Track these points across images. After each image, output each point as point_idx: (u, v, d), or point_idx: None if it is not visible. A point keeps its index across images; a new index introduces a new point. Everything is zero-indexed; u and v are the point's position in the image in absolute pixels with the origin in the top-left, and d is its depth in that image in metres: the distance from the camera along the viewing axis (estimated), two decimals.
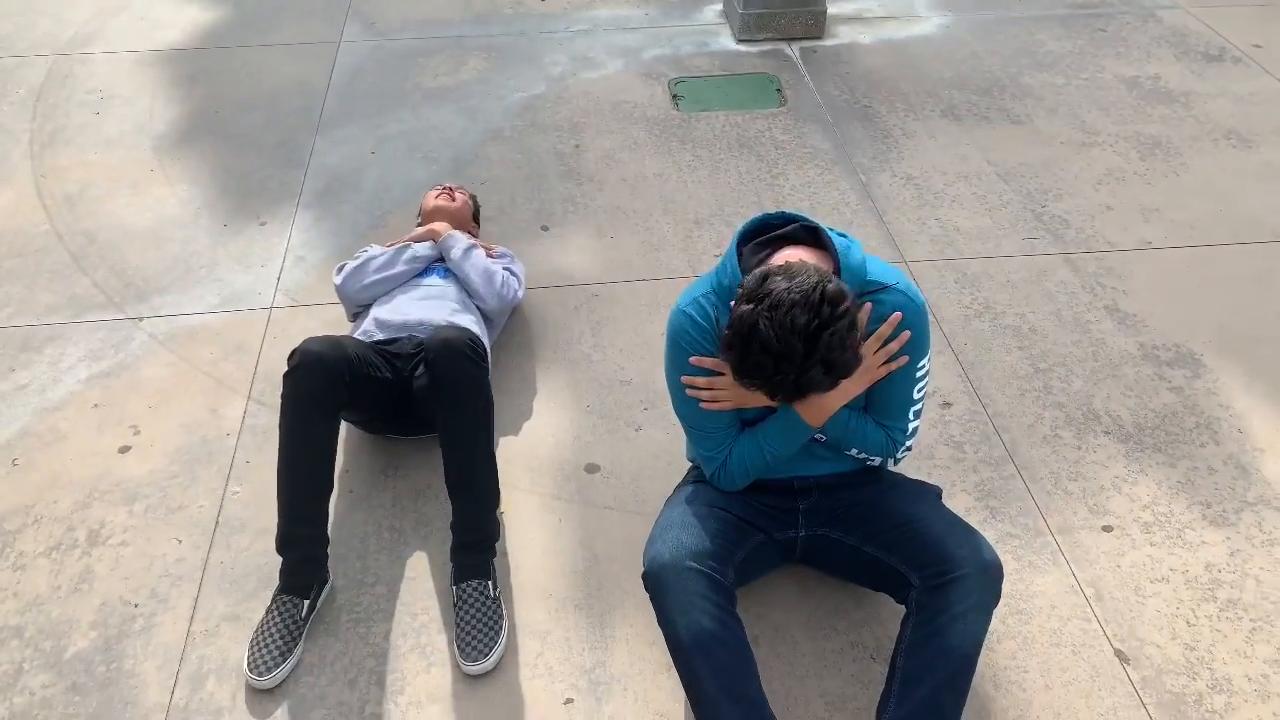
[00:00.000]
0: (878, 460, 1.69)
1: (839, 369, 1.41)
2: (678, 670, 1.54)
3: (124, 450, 2.18)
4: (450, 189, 2.55)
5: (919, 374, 1.63)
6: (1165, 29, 3.95)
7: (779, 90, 3.57)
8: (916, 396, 1.64)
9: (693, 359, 1.63)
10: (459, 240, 2.34)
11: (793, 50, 3.84)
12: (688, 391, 1.65)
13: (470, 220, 2.60)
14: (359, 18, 4.10)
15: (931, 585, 1.53)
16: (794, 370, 1.38)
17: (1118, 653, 1.79)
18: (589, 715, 1.69)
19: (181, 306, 2.60)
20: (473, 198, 2.66)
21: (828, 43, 3.89)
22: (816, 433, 1.66)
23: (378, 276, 2.28)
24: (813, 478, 1.72)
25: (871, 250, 2.72)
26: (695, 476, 1.81)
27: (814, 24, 3.90)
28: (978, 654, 1.50)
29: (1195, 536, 2.00)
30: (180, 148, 3.26)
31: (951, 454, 2.18)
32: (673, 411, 1.76)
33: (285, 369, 1.87)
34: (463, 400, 1.90)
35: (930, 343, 1.64)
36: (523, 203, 2.97)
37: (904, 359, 1.58)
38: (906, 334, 1.57)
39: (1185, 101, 3.48)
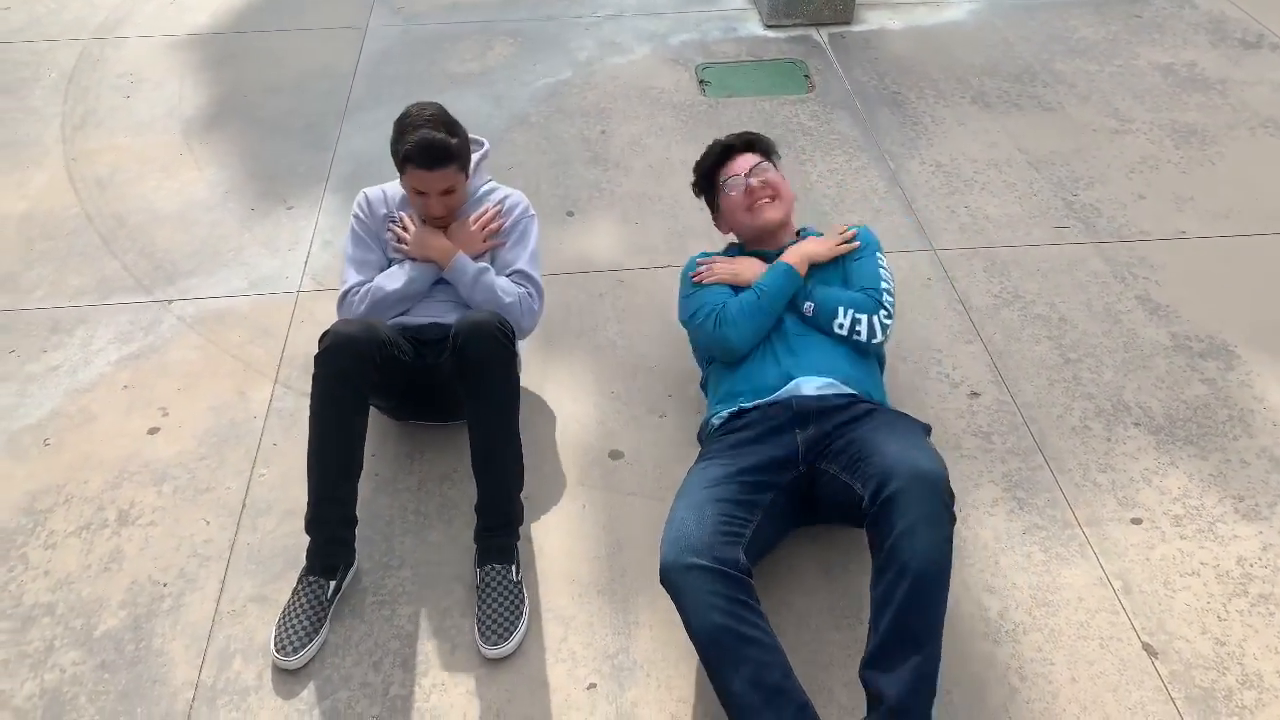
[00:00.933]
0: (864, 322, 1.95)
1: (762, 141, 2.19)
2: (701, 661, 1.56)
3: (153, 432, 2.21)
4: (439, 203, 2.07)
5: (880, 261, 2.07)
6: (1202, 15, 3.86)
7: (807, 76, 3.53)
8: (883, 274, 2.04)
9: (699, 259, 2.15)
10: (467, 270, 2.07)
11: (821, 36, 3.80)
12: (694, 278, 2.10)
13: (464, 192, 2.18)
14: (386, 2, 4.10)
15: (876, 507, 1.55)
16: (735, 136, 2.20)
17: (1146, 646, 1.77)
18: (612, 700, 1.70)
19: (209, 290, 2.62)
20: (453, 154, 2.01)
21: (856, 28, 3.84)
22: (804, 300, 1.98)
23: (389, 312, 2.10)
24: (811, 399, 1.83)
25: (900, 238, 2.78)
26: (701, 456, 1.87)
27: (843, 9, 3.85)
28: (940, 571, 1.49)
29: (1227, 530, 1.97)
30: (209, 131, 3.28)
31: (979, 444, 2.16)
32: (694, 396, 1.88)
33: (317, 350, 1.87)
34: (490, 382, 1.89)
35: (880, 247, 2.14)
36: (548, 189, 2.96)
37: (856, 242, 2.09)
38: (853, 231, 2.12)
39: (1222, 89, 3.40)
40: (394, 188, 2.20)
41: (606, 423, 2.21)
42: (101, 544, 1.97)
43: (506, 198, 2.21)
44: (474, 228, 2.13)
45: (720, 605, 1.51)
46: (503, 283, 2.09)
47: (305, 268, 2.70)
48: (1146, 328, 2.47)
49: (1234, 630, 1.79)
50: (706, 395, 2.12)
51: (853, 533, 1.88)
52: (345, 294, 2.11)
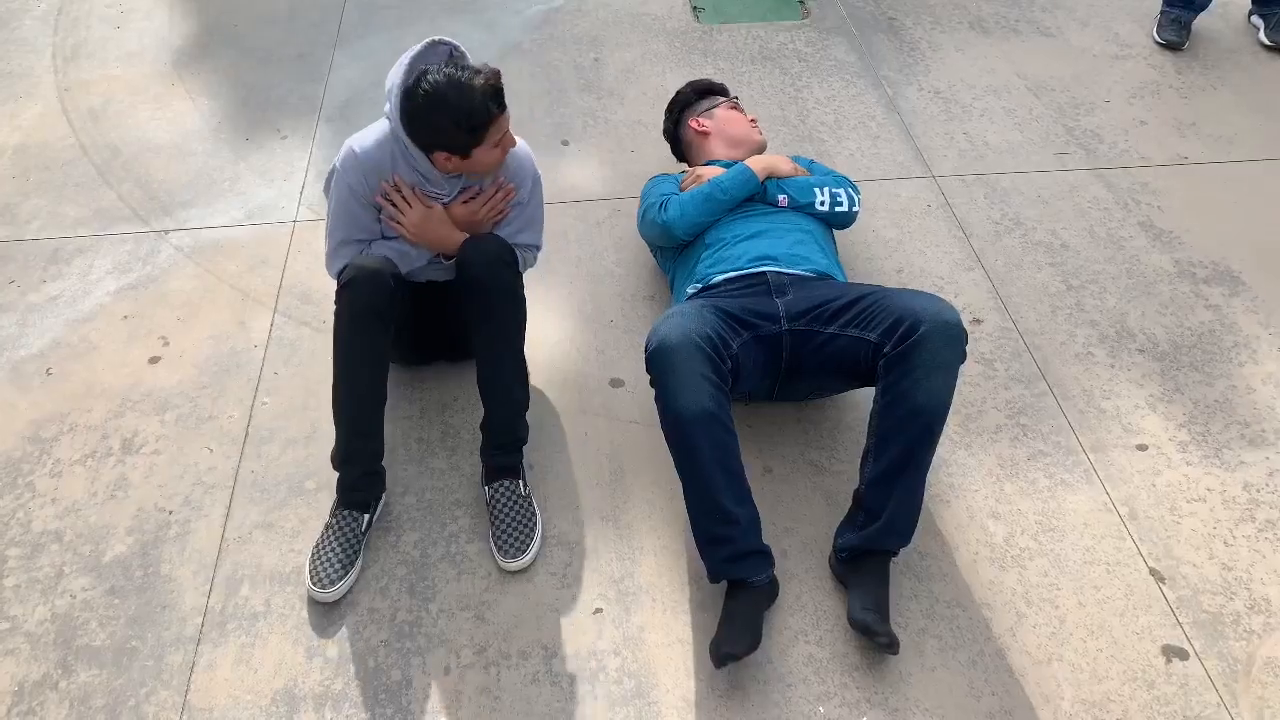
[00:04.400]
0: (842, 194, 2.00)
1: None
2: (673, 443, 1.55)
3: (154, 361, 2.05)
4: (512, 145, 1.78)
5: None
6: None
7: (802, 2, 3.26)
8: (839, 176, 2.08)
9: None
10: None
11: None
12: (682, 186, 2.06)
13: None
14: None
15: (898, 351, 1.56)
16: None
17: (1153, 571, 1.66)
18: (618, 625, 1.59)
19: (206, 220, 2.42)
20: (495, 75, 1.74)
21: None
22: (777, 194, 1.97)
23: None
24: (787, 274, 1.80)
25: (899, 165, 2.59)
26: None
27: None
28: (947, 410, 1.55)
29: (1233, 456, 1.84)
30: (200, 61, 3.01)
31: (982, 371, 2.01)
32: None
33: (338, 285, 1.68)
34: (496, 303, 1.74)
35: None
36: (542, 117, 2.74)
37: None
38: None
39: (1224, 11, 3.14)
40: (379, 139, 1.72)
41: (606, 351, 2.06)
42: (107, 472, 1.83)
43: (515, 163, 1.81)
44: (483, 213, 1.78)
45: (710, 391, 1.53)
46: None
47: (301, 197, 2.49)
48: (1149, 254, 2.30)
49: (1241, 555, 1.68)
50: (673, 295, 2.03)
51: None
52: (339, 262, 1.74)
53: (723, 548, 1.54)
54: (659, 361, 1.55)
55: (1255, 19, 3.05)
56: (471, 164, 1.68)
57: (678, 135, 2.28)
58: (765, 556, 1.57)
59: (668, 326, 1.59)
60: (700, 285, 1.86)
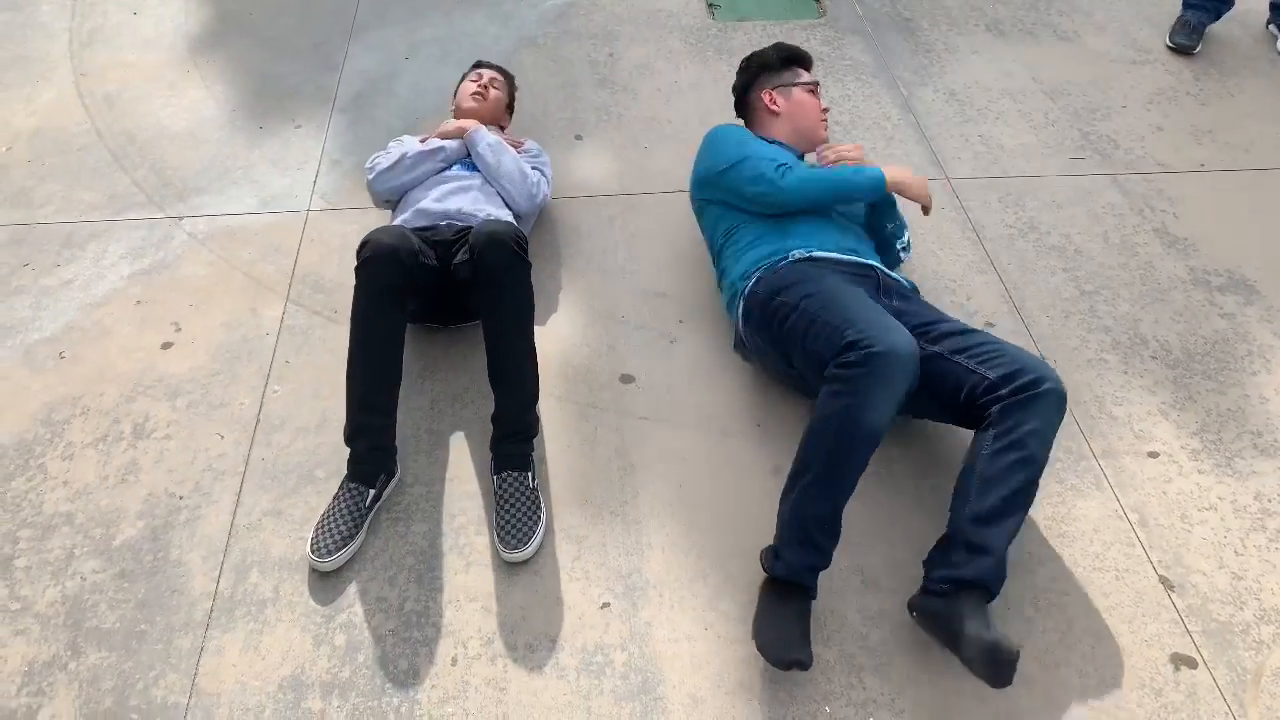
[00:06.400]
0: (907, 240, 2.02)
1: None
2: (837, 453, 1.49)
3: (166, 346, 2.05)
4: (485, 87, 2.39)
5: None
6: None
7: (818, 0, 3.24)
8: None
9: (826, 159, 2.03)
10: (486, 138, 2.20)
11: None
12: (821, 158, 2.01)
13: (504, 112, 2.44)
14: None
15: (1018, 399, 1.55)
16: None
17: (1162, 579, 1.65)
18: (626, 619, 1.59)
19: (220, 207, 2.42)
20: (508, 79, 2.49)
21: None
22: (892, 222, 2.00)
23: (409, 176, 2.16)
24: (891, 275, 1.83)
25: (913, 167, 2.57)
26: (798, 280, 1.77)
27: None
28: (1045, 466, 1.56)
29: (1245, 465, 1.83)
30: (215, 49, 3.01)
31: None
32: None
33: (357, 261, 1.76)
34: (506, 293, 1.78)
35: None
36: (556, 111, 2.73)
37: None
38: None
39: (1243, 19, 3.12)
40: None
41: (617, 347, 2.05)
42: (118, 456, 1.84)
43: (527, 140, 2.40)
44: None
45: (892, 409, 1.49)
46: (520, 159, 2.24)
47: (314, 186, 2.49)
48: (1164, 260, 2.28)
49: (1251, 565, 1.67)
50: (723, 270, 1.96)
51: None
52: (373, 163, 2.23)
53: (816, 556, 1.52)
54: (882, 364, 1.48)
55: (1272, 28, 3.02)
56: (459, 99, 2.41)
57: (746, 98, 2.13)
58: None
59: (890, 333, 1.52)
60: (804, 253, 1.82)
